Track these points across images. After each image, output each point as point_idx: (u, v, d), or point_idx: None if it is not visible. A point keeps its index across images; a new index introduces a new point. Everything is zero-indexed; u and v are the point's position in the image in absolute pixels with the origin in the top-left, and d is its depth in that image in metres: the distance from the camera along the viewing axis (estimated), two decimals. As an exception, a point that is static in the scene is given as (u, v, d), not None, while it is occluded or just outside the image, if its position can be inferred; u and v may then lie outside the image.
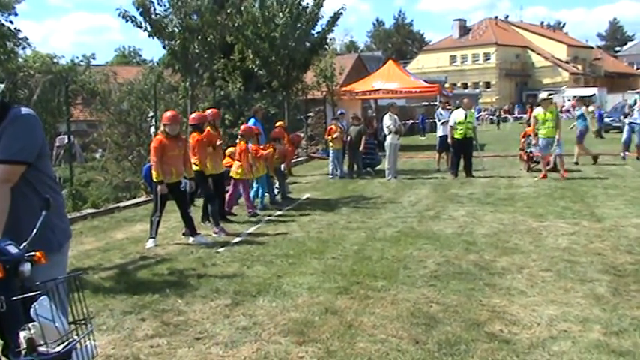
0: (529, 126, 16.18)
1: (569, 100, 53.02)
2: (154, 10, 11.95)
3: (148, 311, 5.04)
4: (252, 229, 8.70)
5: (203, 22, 12.08)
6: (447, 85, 35.87)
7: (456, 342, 4.13)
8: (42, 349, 1.92)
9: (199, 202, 9.68)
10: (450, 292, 5.26)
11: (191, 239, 7.85)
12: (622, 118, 17.54)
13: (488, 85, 67.42)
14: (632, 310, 4.66)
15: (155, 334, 4.52)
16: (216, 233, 8.35)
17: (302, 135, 20.59)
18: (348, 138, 14.88)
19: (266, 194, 10.83)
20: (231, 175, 9.82)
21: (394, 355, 3.98)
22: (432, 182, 13.19)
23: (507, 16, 79.51)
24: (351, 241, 7.54)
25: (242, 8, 15.60)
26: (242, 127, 10.33)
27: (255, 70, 18.97)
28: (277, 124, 13.36)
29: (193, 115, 9.07)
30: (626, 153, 16.05)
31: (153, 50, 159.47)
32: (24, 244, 2.12)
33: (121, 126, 14.91)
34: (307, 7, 17.63)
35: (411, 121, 32.79)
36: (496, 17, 76.30)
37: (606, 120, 27.41)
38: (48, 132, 14.98)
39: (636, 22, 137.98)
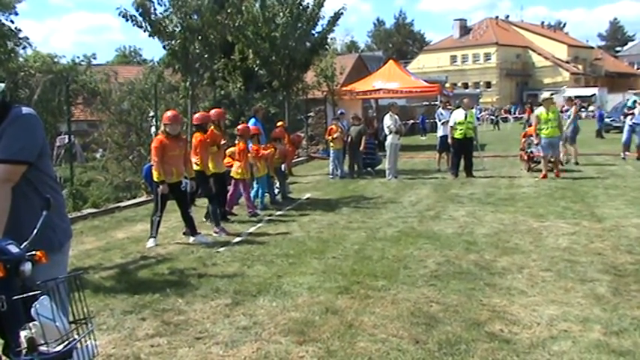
0: (529, 126, 16.21)
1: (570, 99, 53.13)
2: (154, 10, 11.95)
3: (149, 311, 5.04)
4: (252, 229, 8.70)
5: (203, 22, 12.07)
6: (447, 85, 35.85)
7: (457, 342, 4.13)
8: (42, 348, 1.92)
9: (200, 201, 9.69)
10: (450, 292, 5.26)
11: (192, 239, 7.85)
12: (622, 118, 17.51)
13: (488, 85, 67.43)
14: (632, 310, 4.66)
15: (155, 333, 4.52)
16: (216, 233, 8.35)
17: (302, 135, 20.61)
18: (349, 138, 14.89)
19: (266, 194, 10.83)
20: (231, 174, 9.83)
21: (394, 354, 3.98)
22: (433, 182, 13.19)
23: (508, 16, 79.63)
24: (352, 241, 7.54)
25: (243, 8, 15.58)
26: (239, 126, 10.31)
27: (256, 69, 18.98)
28: (278, 124, 13.37)
29: (197, 115, 9.06)
30: (627, 153, 16.04)
31: (153, 50, 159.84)
32: (25, 243, 2.12)
33: (122, 126, 14.91)
34: (308, 6, 17.63)
35: (412, 121, 32.79)
36: (497, 17, 76.32)
37: (607, 120, 27.37)
38: (48, 131, 14.98)
39: (637, 22, 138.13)
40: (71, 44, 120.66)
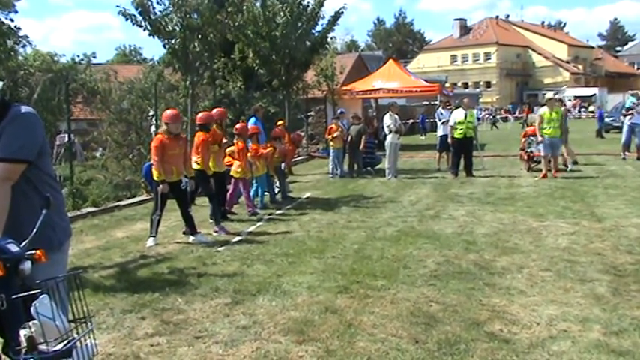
0: (528, 126, 16.23)
1: (569, 100, 53.18)
2: (153, 9, 11.94)
3: (148, 310, 5.04)
4: (252, 228, 8.70)
5: (203, 21, 12.06)
6: (447, 84, 35.83)
7: (456, 341, 4.13)
8: (42, 347, 1.92)
9: (200, 200, 9.69)
10: (449, 292, 5.26)
11: (191, 238, 7.85)
12: (622, 118, 17.51)
13: (488, 84, 67.44)
14: (632, 310, 4.66)
15: (155, 332, 4.52)
16: (216, 232, 8.35)
17: (302, 134, 20.59)
18: (349, 137, 14.89)
19: (266, 193, 10.83)
20: (231, 174, 9.83)
21: (394, 354, 3.98)
22: (432, 182, 13.20)
23: (508, 16, 79.66)
24: (351, 241, 7.54)
25: (243, 7, 15.58)
26: (237, 126, 10.31)
27: (256, 69, 18.96)
28: (278, 123, 13.37)
29: (201, 115, 9.03)
30: (627, 153, 16.04)
31: (153, 49, 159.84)
32: (24, 242, 2.12)
33: (122, 125, 14.91)
34: (308, 6, 17.62)
35: (411, 121, 32.79)
36: (497, 17, 76.33)
37: (607, 120, 27.37)
38: (48, 130, 14.97)
39: (637, 22, 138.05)
40: (71, 43, 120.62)
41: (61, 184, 10.39)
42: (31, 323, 1.93)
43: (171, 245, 7.72)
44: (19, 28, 16.03)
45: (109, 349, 4.22)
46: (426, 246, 7.07)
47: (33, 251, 2.09)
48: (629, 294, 5.08)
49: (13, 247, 2.05)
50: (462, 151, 13.82)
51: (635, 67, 77.83)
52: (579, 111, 51.43)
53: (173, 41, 12.15)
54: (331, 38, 20.28)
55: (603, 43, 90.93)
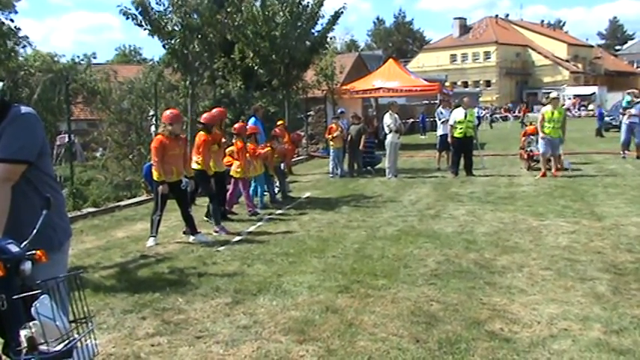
0: (527, 125, 16.23)
1: (569, 98, 53.21)
2: (152, 9, 11.94)
3: (149, 310, 5.04)
4: (252, 228, 8.70)
5: (203, 21, 12.06)
6: (447, 83, 35.78)
7: (457, 341, 4.13)
8: (42, 347, 1.92)
9: (199, 200, 9.69)
10: (450, 291, 5.26)
11: (192, 238, 7.85)
12: (621, 117, 17.52)
13: (488, 83, 67.46)
14: (632, 309, 4.66)
15: (156, 332, 4.52)
16: (216, 232, 8.35)
17: (302, 134, 20.59)
18: (349, 137, 14.89)
19: (266, 193, 10.83)
20: (231, 173, 9.83)
21: (395, 353, 3.98)
22: (433, 181, 13.19)
23: (508, 15, 79.77)
24: (352, 240, 7.54)
25: (242, 7, 15.57)
26: (236, 125, 10.30)
27: (256, 68, 18.96)
28: (278, 122, 13.37)
29: (206, 115, 9.00)
30: (627, 152, 16.04)
31: (153, 49, 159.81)
32: (25, 242, 2.12)
33: (122, 125, 14.91)
34: (308, 5, 17.61)
35: (411, 120, 32.79)
36: (496, 16, 76.37)
37: (606, 119, 27.37)
38: (48, 131, 14.97)
39: (636, 20, 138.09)
40: (71, 43, 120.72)
41: (61, 184, 10.40)
42: (31, 324, 1.93)
43: (172, 245, 7.72)
44: (19, 29, 16.02)
45: (110, 349, 4.22)
46: (427, 245, 7.07)
47: (33, 252, 2.09)
48: (630, 293, 5.08)
49: (14, 248, 2.05)
50: (462, 150, 13.82)
51: (635, 65, 77.83)
52: (579, 110, 51.45)
53: (173, 41, 12.15)
54: (331, 38, 20.26)
55: (603, 41, 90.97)
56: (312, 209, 10.08)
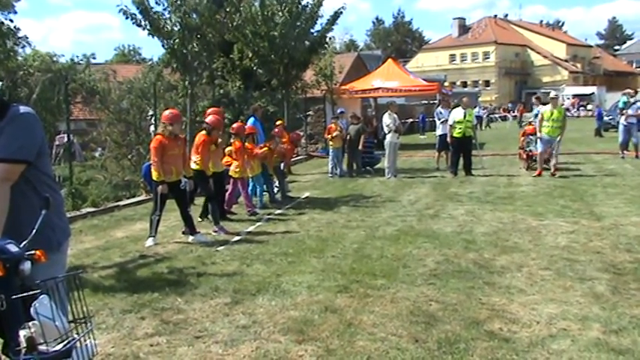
0: (528, 124, 16.21)
1: (568, 98, 53.21)
2: (152, 8, 11.93)
3: (148, 310, 5.04)
4: (251, 228, 8.70)
5: (202, 21, 12.06)
6: (446, 83, 35.79)
7: (456, 340, 4.13)
8: (42, 347, 1.92)
9: (199, 200, 9.69)
10: (449, 291, 5.26)
11: (191, 238, 7.85)
12: (620, 117, 17.52)
13: (487, 83, 67.46)
14: (631, 309, 4.67)
15: (155, 332, 4.52)
16: (215, 232, 8.35)
17: (301, 133, 20.58)
18: (348, 137, 14.89)
19: (265, 193, 10.83)
20: (230, 173, 9.83)
21: (394, 353, 3.98)
22: (432, 181, 13.20)
23: (507, 15, 79.72)
24: (351, 240, 7.54)
25: (241, 8, 15.56)
26: (234, 125, 10.29)
27: (255, 68, 18.95)
28: (277, 122, 13.36)
29: (212, 119, 8.98)
30: (625, 152, 16.06)
31: (152, 49, 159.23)
32: (24, 242, 2.12)
33: (121, 124, 14.90)
34: (307, 5, 17.61)
35: (410, 120, 32.79)
36: (495, 16, 76.39)
37: (605, 119, 27.38)
38: (47, 131, 14.97)
39: (635, 20, 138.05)
40: (70, 43, 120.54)
41: (60, 184, 10.40)
42: (30, 324, 1.93)
43: (171, 245, 7.72)
44: (19, 29, 16.03)
45: (109, 349, 4.22)
46: (426, 245, 7.08)
47: (32, 252, 2.09)
48: (629, 292, 5.08)
49: (13, 248, 2.04)
50: (461, 150, 13.82)
51: (634, 65, 77.86)
52: (578, 110, 51.46)
53: (172, 41, 12.15)
54: (330, 38, 20.23)
55: (602, 41, 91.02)
56: (312, 209, 10.08)
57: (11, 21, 15.75)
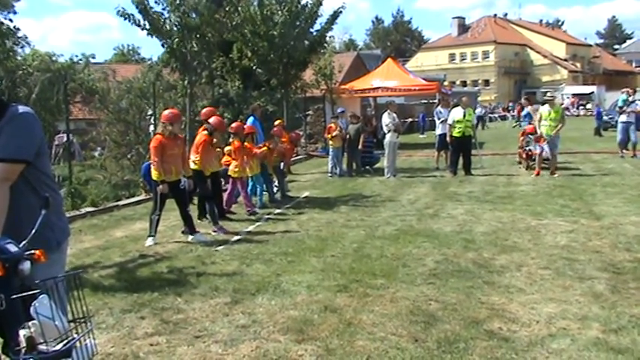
0: (529, 123, 16.22)
1: (568, 97, 53.24)
2: (151, 8, 11.93)
3: (148, 309, 5.04)
4: (251, 228, 8.70)
5: (202, 21, 12.06)
6: (445, 83, 35.80)
7: (455, 340, 4.14)
8: (42, 347, 1.92)
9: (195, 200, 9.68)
10: (448, 290, 5.26)
11: (190, 237, 7.85)
12: (617, 116, 17.51)
13: (487, 83, 67.47)
14: (630, 308, 4.67)
15: (155, 332, 4.52)
16: (215, 232, 8.35)
17: (301, 133, 20.58)
18: (347, 136, 14.89)
19: (265, 192, 10.82)
20: (228, 173, 9.82)
21: (393, 353, 3.98)
22: (431, 180, 13.20)
23: (506, 14, 79.69)
24: (350, 240, 7.54)
25: (239, 7, 15.57)
26: (233, 125, 10.28)
27: (254, 68, 18.95)
28: (276, 122, 13.36)
29: (215, 120, 8.98)
30: (624, 151, 16.06)
31: (152, 48, 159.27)
32: (23, 242, 2.12)
33: (120, 124, 14.90)
34: (306, 5, 17.61)
35: (410, 119, 32.78)
36: (495, 15, 76.37)
37: (605, 118, 27.37)
38: (47, 130, 14.99)
39: (635, 20, 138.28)
40: (69, 43, 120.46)
41: (59, 183, 10.39)
42: (30, 323, 1.93)
43: (171, 245, 7.72)
44: (18, 29, 16.03)
45: (109, 348, 4.22)
46: (425, 245, 7.08)
47: (32, 251, 2.09)
48: (628, 292, 5.08)
49: (12, 248, 2.04)
50: (460, 150, 13.82)
51: (634, 64, 77.88)
52: (577, 109, 51.49)
53: (171, 41, 12.15)
54: (329, 37, 20.25)
55: (601, 41, 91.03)
56: (311, 209, 10.08)
57: (11, 21, 15.76)
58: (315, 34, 18.56)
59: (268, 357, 4.00)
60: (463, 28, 72.95)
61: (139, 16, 12.05)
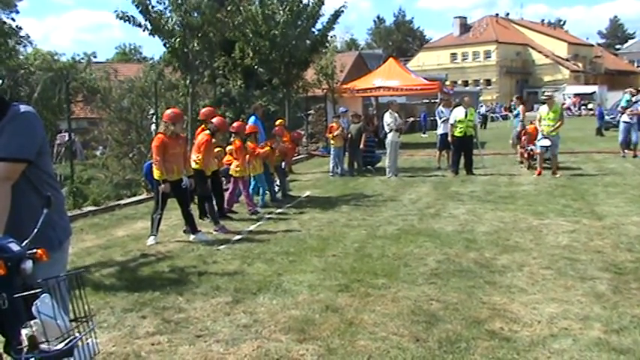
0: (530, 123, 16.19)
1: (569, 97, 53.18)
2: (152, 7, 11.92)
3: (149, 309, 5.04)
4: (252, 227, 8.70)
5: (204, 20, 12.06)
6: (447, 82, 35.78)
7: (457, 340, 4.13)
8: (43, 346, 1.92)
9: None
10: (450, 290, 5.26)
11: (192, 237, 7.85)
12: (619, 115, 17.48)
13: (488, 82, 67.44)
14: (632, 308, 4.67)
15: (156, 331, 4.52)
16: (216, 231, 8.35)
17: (302, 132, 20.57)
18: (349, 135, 14.89)
19: (266, 192, 10.82)
20: (230, 172, 9.82)
21: (395, 353, 3.98)
22: (433, 180, 13.19)
23: (508, 14, 79.74)
24: (352, 239, 7.54)
25: (241, 7, 15.56)
26: (234, 124, 10.28)
27: (256, 67, 18.94)
28: (277, 121, 13.37)
29: (218, 120, 8.99)
30: (626, 151, 16.04)
31: (154, 47, 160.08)
32: (25, 241, 2.12)
33: (122, 123, 14.90)
34: (308, 4, 17.60)
35: (412, 119, 32.77)
36: (497, 15, 76.37)
37: (607, 118, 27.34)
38: (48, 129, 14.99)
39: (637, 19, 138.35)
40: (71, 42, 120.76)
41: (61, 182, 10.40)
42: (32, 322, 1.93)
43: (172, 244, 7.72)
44: (21, 28, 16.06)
45: (110, 348, 4.22)
46: (427, 244, 7.07)
47: (34, 250, 2.09)
48: (630, 292, 5.08)
49: (15, 247, 2.04)
50: (462, 149, 13.82)
51: (635, 64, 77.82)
52: (579, 109, 51.44)
53: (173, 40, 12.14)
54: (331, 36, 20.23)
55: (603, 40, 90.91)
56: (313, 208, 10.08)
57: (13, 20, 15.79)
58: (316, 33, 18.54)
59: (269, 356, 4.00)
60: (465, 27, 72.93)
61: (139, 17, 12.05)
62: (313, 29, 18.38)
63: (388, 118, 13.99)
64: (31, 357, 1.91)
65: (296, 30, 17.36)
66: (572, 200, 9.82)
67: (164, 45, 12.56)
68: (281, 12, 17.11)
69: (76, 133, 16.62)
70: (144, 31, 12.14)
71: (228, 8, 13.04)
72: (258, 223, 8.98)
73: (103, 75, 17.41)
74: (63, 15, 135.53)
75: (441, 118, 15.51)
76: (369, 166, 15.52)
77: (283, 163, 11.76)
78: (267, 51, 17.57)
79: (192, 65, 12.58)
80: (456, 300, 4.99)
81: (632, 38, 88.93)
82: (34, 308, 1.95)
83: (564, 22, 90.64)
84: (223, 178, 10.09)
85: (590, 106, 50.59)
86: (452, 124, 13.86)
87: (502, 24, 72.98)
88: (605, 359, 3.81)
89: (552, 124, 12.76)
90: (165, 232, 8.27)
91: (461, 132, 13.65)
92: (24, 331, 1.91)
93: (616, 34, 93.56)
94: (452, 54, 70.72)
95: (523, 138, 15.08)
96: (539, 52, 69.76)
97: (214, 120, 9.00)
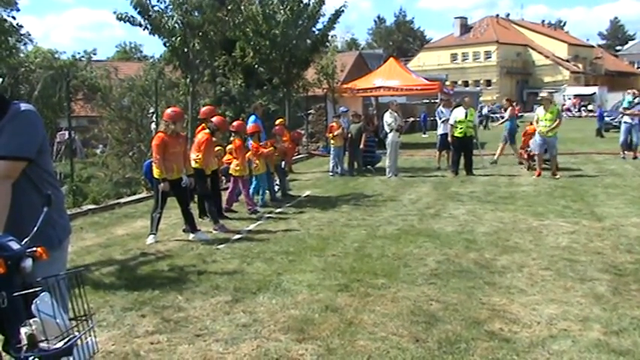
0: (529, 124, 16.18)
1: (569, 98, 53.17)
2: (152, 7, 11.91)
3: (149, 308, 5.04)
4: (252, 226, 8.69)
5: (204, 19, 12.05)
6: (447, 83, 35.74)
7: (456, 340, 4.13)
8: (43, 345, 1.92)
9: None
10: (450, 291, 5.26)
11: (191, 236, 7.85)
12: (620, 116, 17.49)
13: (489, 83, 67.42)
14: (632, 310, 4.66)
15: (155, 330, 4.52)
16: (216, 230, 8.35)
17: (303, 132, 20.57)
18: (349, 135, 14.88)
19: (266, 191, 10.82)
20: (230, 172, 9.82)
21: (394, 353, 3.98)
22: (433, 180, 13.19)
23: (508, 15, 79.69)
24: (352, 239, 7.54)
25: (242, 6, 15.56)
26: (234, 123, 10.27)
27: (256, 66, 18.94)
28: (278, 121, 13.37)
29: (218, 120, 8.99)
30: (626, 152, 16.04)
31: (154, 46, 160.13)
32: (25, 240, 2.12)
33: (122, 122, 14.92)
34: (308, 4, 17.60)
35: (412, 119, 32.77)
36: (497, 15, 76.35)
37: (607, 119, 27.35)
38: (49, 127, 15.00)
39: (637, 21, 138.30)
40: (71, 40, 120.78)
41: (61, 181, 10.40)
42: (31, 321, 1.92)
43: (172, 243, 7.72)
44: (21, 26, 16.05)
45: (110, 346, 4.22)
46: (427, 245, 7.07)
47: (34, 249, 2.08)
48: (630, 293, 5.08)
49: (14, 245, 2.04)
50: (462, 150, 13.82)
51: (636, 66, 77.80)
52: (579, 110, 51.43)
53: (174, 39, 12.14)
54: (332, 36, 20.23)
55: (603, 42, 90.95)
56: (312, 208, 10.07)
57: (14, 18, 15.77)
58: (317, 33, 18.54)
59: (269, 356, 4.00)
60: (465, 28, 72.91)
61: (139, 18, 12.03)
62: (314, 29, 18.39)
63: (388, 118, 13.98)
64: (31, 355, 1.90)
65: (296, 29, 17.36)
66: (572, 201, 9.82)
67: (164, 44, 12.57)
68: (282, 11, 17.10)
69: (76, 132, 16.64)
70: (144, 30, 12.15)
71: (229, 7, 13.04)
72: (258, 223, 8.98)
73: (104, 73, 17.44)
74: (63, 13, 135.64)
75: (441, 119, 15.50)
76: (369, 166, 15.52)
77: (283, 163, 11.76)
78: (268, 50, 17.57)
79: (192, 64, 12.58)
80: (456, 300, 4.99)
81: (633, 39, 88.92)
82: (33, 307, 1.95)
83: (565, 23, 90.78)
84: (223, 177, 10.09)
85: (590, 107, 50.57)
86: (452, 125, 13.86)
87: (502, 24, 72.96)
88: (605, 360, 3.81)
89: (549, 125, 12.75)
90: (164, 231, 8.27)
91: (461, 132, 13.65)
92: (23, 330, 1.91)
93: (616, 36, 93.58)
94: (452, 54, 70.72)
95: (522, 139, 15.08)
96: (540, 52, 69.75)
97: (214, 119, 9.00)
